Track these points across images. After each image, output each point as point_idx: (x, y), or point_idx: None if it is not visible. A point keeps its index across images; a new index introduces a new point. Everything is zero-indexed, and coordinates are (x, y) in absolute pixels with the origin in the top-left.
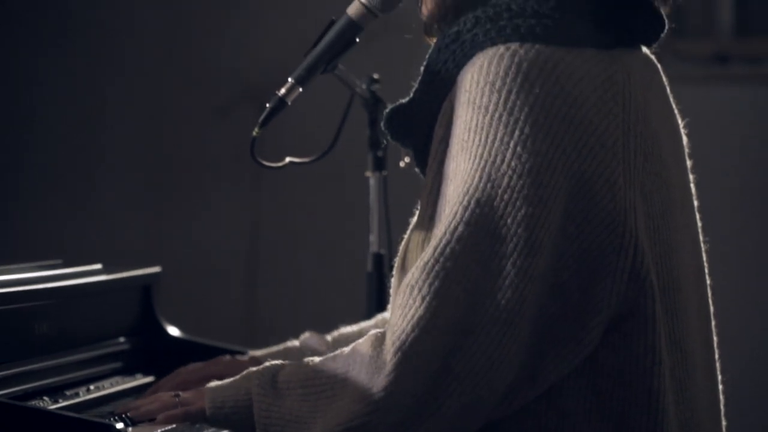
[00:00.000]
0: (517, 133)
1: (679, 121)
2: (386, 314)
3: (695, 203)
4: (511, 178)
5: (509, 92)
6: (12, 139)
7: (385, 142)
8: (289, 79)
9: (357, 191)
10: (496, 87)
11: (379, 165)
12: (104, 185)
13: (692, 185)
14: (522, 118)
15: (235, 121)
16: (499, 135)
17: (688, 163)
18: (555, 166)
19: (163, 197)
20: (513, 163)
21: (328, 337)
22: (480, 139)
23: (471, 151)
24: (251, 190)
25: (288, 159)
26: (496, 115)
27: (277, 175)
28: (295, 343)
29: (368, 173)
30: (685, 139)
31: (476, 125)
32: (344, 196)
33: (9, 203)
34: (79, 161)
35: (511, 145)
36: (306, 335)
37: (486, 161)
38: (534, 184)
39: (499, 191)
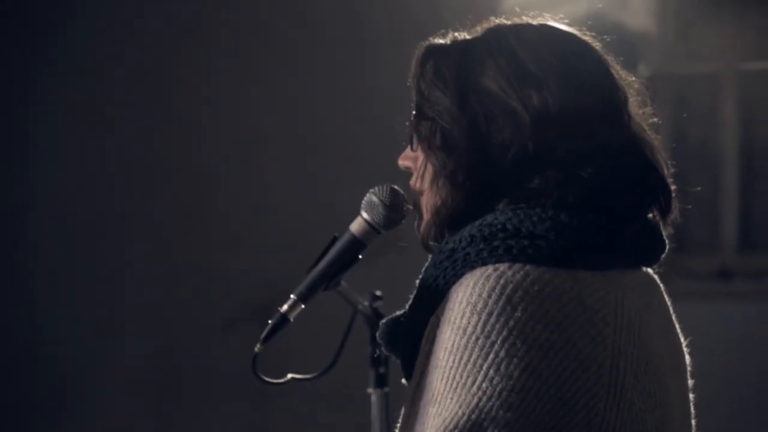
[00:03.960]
0: (491, 356)
1: (681, 339)
2: None
3: (693, 423)
4: (480, 399)
5: (489, 314)
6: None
7: (377, 353)
8: (291, 296)
9: (359, 408)
10: (477, 309)
11: (381, 382)
12: (108, 400)
13: (692, 404)
14: (498, 341)
15: (240, 337)
16: (473, 357)
17: (690, 382)
18: (528, 391)
19: (168, 411)
20: (484, 386)
21: None
22: (454, 360)
23: (444, 372)
24: (254, 406)
25: (290, 375)
26: (473, 337)
27: (279, 391)
28: None
29: (370, 390)
30: (687, 359)
31: (452, 345)
32: (346, 412)
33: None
34: (84, 377)
35: (484, 367)
36: None
37: (458, 383)
38: (503, 407)
39: (467, 411)
